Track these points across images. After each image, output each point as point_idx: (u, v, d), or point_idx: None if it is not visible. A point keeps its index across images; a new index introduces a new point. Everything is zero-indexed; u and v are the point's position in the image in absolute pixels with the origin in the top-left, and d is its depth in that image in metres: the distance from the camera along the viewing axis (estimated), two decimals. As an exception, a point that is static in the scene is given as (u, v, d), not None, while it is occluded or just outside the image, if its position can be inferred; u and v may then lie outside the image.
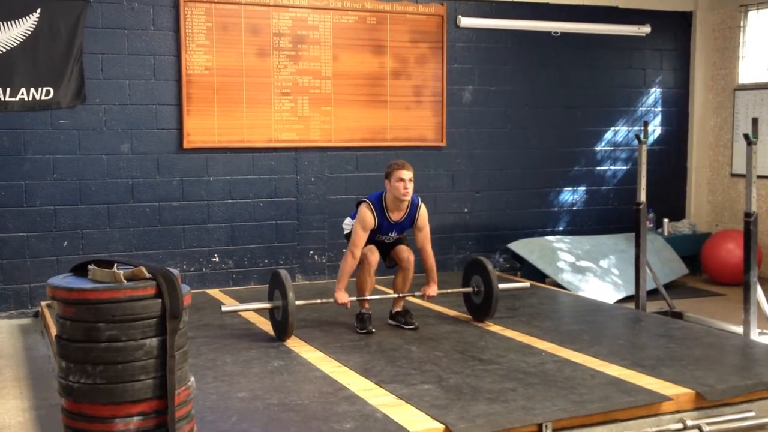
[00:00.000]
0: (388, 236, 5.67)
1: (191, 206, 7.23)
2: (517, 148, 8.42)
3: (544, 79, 8.46)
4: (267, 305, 5.46)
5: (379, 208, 5.52)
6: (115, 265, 3.04)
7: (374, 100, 7.72)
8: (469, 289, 5.93)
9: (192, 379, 3.18)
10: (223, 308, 5.48)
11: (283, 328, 5.29)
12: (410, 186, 5.44)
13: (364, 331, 5.52)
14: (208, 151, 7.24)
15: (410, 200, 5.55)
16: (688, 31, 9.05)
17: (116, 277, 2.92)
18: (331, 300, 5.59)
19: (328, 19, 7.51)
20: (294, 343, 5.26)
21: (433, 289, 5.71)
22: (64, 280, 3.11)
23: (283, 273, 5.35)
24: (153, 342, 2.94)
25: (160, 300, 2.92)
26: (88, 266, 3.09)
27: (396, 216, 5.56)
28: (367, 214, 5.48)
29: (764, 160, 8.11)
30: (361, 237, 5.49)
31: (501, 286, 5.82)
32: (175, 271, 3.02)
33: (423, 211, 5.65)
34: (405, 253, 5.67)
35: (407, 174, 5.42)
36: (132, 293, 2.89)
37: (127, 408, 2.95)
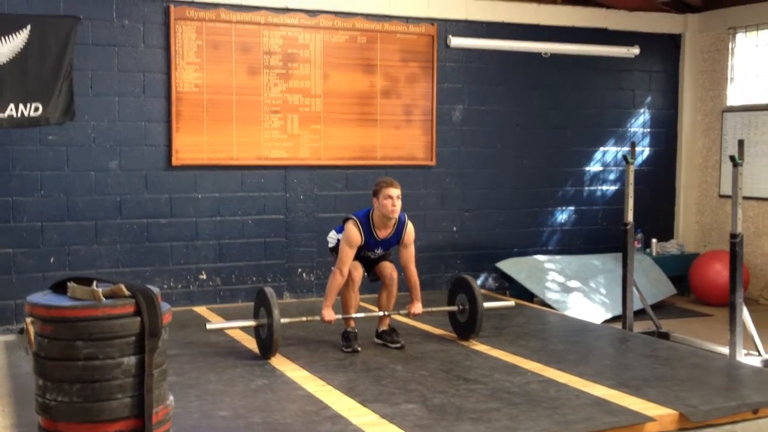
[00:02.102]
0: (374, 252, 5.67)
1: (179, 223, 7.22)
2: (507, 168, 8.44)
3: (534, 100, 8.50)
4: (252, 323, 5.44)
5: (366, 225, 5.52)
6: (95, 282, 3.03)
7: (364, 119, 7.74)
8: (454, 308, 5.93)
9: (171, 398, 3.17)
10: (208, 326, 5.46)
11: (267, 346, 5.28)
12: (398, 203, 5.44)
13: (350, 349, 5.50)
14: (197, 169, 7.24)
15: (398, 218, 5.55)
16: (677, 53, 9.12)
17: (95, 295, 2.92)
18: (317, 318, 5.58)
19: (319, 38, 7.54)
20: (279, 362, 5.24)
21: (417, 307, 5.70)
22: (43, 297, 3.10)
23: (269, 290, 5.34)
24: (131, 360, 2.93)
25: (139, 318, 2.92)
26: (68, 283, 3.08)
27: (383, 233, 5.57)
28: (354, 232, 5.48)
29: (751, 182, 8.14)
30: (348, 254, 5.49)
31: (486, 304, 5.81)
32: (155, 289, 3.02)
33: (410, 229, 5.66)
34: (388, 269, 5.67)
35: (395, 191, 5.43)
36: (110, 311, 2.89)
37: (104, 427, 2.94)
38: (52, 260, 6.81)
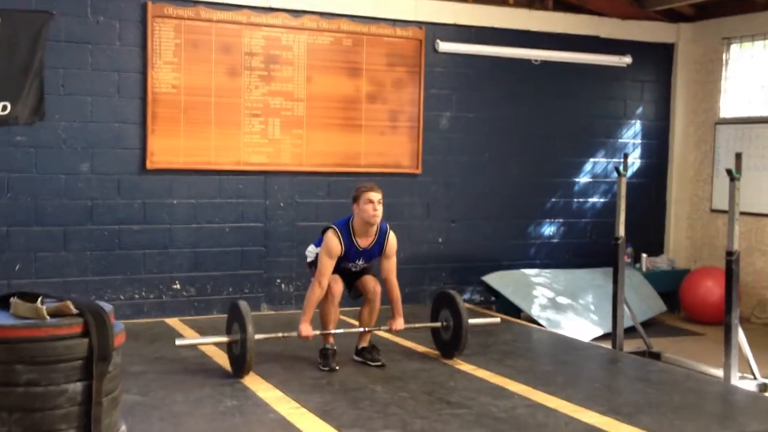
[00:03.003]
0: (356, 264, 5.39)
1: (153, 230, 6.91)
2: (495, 178, 8.19)
3: (524, 108, 8.26)
4: (224, 339, 5.15)
5: (346, 233, 5.25)
6: (40, 298, 2.73)
7: (348, 124, 7.47)
8: (437, 324, 5.66)
9: (123, 428, 2.88)
10: (177, 342, 5.16)
11: (240, 364, 4.99)
12: (379, 208, 5.20)
13: (327, 368, 5.22)
14: (173, 173, 6.94)
15: (379, 226, 5.29)
16: (670, 62, 8.91)
17: (39, 313, 2.62)
18: (294, 333, 5.29)
19: (303, 40, 7.27)
20: (251, 381, 4.95)
21: (399, 323, 5.42)
22: (-17, 314, 2.80)
23: (243, 304, 5.05)
24: (77, 387, 2.63)
25: (86, 340, 2.62)
26: (11, 299, 2.78)
27: (364, 242, 5.30)
28: (334, 241, 5.21)
29: (743, 197, 7.90)
30: (328, 266, 5.21)
31: (471, 321, 5.54)
32: (108, 307, 2.73)
33: (392, 239, 5.40)
34: (371, 283, 5.40)
35: (376, 196, 5.19)
36: (55, 331, 2.59)
37: (46, 461, 2.64)
38: (17, 267, 6.49)
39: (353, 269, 5.41)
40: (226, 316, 6.88)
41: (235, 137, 7.08)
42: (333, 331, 5.34)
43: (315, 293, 5.22)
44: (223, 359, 5.43)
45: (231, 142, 7.07)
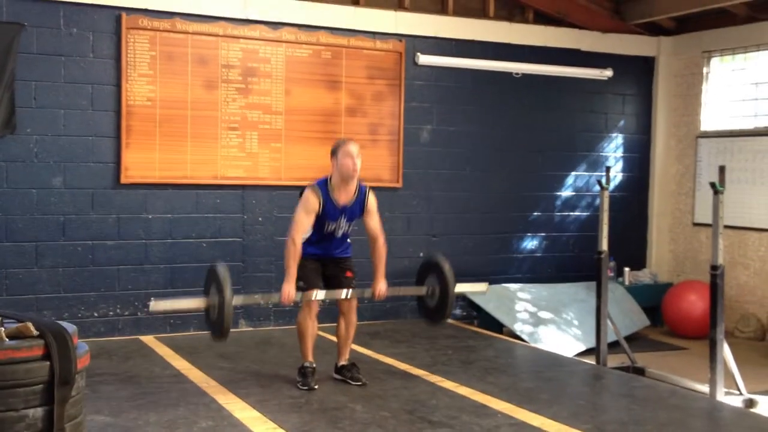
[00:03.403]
0: (338, 224, 5.18)
1: (127, 245, 6.75)
2: (476, 191, 8.10)
3: (505, 121, 8.20)
4: (201, 303, 4.97)
5: (324, 190, 5.14)
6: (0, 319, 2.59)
7: (327, 138, 7.31)
8: (422, 290, 5.48)
9: (88, 454, 2.73)
10: (151, 305, 5.03)
11: (217, 329, 4.84)
12: (358, 162, 5.10)
13: (306, 387, 5.09)
14: (148, 187, 6.79)
15: (358, 186, 5.20)
16: (651, 76, 8.89)
17: (-3, 335, 2.48)
18: (276, 297, 5.12)
19: (281, 52, 7.16)
20: (227, 399, 4.81)
21: (381, 287, 5.27)
22: (-60, 335, 2.65)
23: (221, 268, 4.89)
24: (37, 413, 2.49)
25: (48, 362, 2.48)
26: (-31, 320, 2.64)
27: (343, 198, 5.16)
28: (311, 196, 5.10)
29: (726, 210, 7.86)
30: (303, 221, 5.08)
31: (458, 288, 5.38)
32: (71, 328, 2.59)
33: (372, 197, 5.30)
34: (345, 300, 5.27)
35: (355, 149, 5.10)
36: (13, 354, 2.45)
37: (5, 491, 2.50)
38: (-13, 284, 6.32)
39: (336, 234, 5.22)
40: (203, 333, 6.81)
41: (212, 151, 6.94)
42: (317, 297, 5.11)
43: (290, 251, 5.05)
44: (198, 377, 5.29)
45: (208, 155, 6.93)
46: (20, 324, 2.54)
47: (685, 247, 8.76)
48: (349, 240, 5.39)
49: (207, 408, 4.64)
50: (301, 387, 5.10)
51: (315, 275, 5.22)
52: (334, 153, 5.16)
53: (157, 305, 5.12)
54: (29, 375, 2.48)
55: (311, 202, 5.08)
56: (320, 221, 5.14)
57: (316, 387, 5.10)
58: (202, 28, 6.86)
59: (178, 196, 6.89)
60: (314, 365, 5.22)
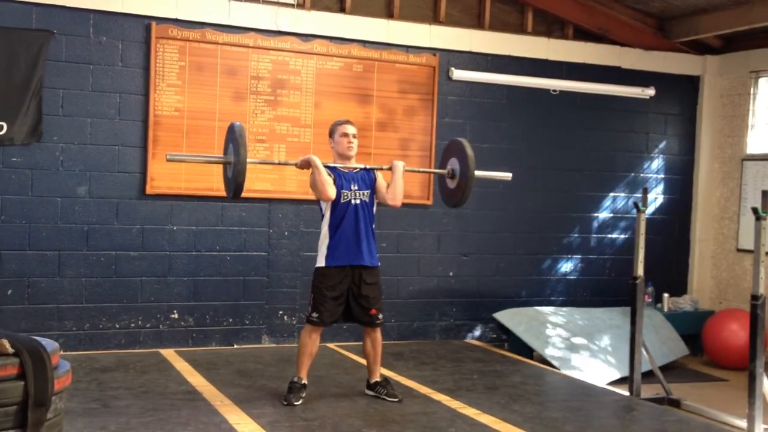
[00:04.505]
0: (353, 193, 5.14)
1: (151, 257, 6.67)
2: (510, 211, 7.88)
3: (541, 139, 7.97)
4: (219, 159, 5.15)
5: (330, 167, 5.18)
6: (-24, 335, 2.47)
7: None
8: (443, 171, 5.46)
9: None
10: (168, 156, 5.10)
11: (231, 186, 4.90)
12: (354, 142, 5.22)
13: (286, 402, 5.01)
14: (173, 198, 6.71)
15: (363, 167, 5.27)
16: (695, 95, 8.58)
17: (-30, 351, 2.36)
18: (293, 162, 5.30)
19: (312, 64, 7.05)
20: (239, 419, 4.66)
21: (398, 162, 5.29)
22: None
23: (238, 126, 4.90)
24: (10, 436, 2.36)
25: (22, 383, 2.34)
26: (-54, 335, 2.52)
27: (346, 169, 5.21)
28: (322, 170, 5.10)
29: (773, 236, 7.54)
30: (326, 177, 5.06)
31: (478, 173, 5.33)
32: (51, 345, 2.45)
33: (380, 175, 5.32)
34: (366, 318, 5.18)
35: (351, 129, 5.23)
36: (-15, 373, 2.32)
37: None
38: (9, 292, 6.27)
39: (354, 201, 5.13)
40: (225, 348, 6.72)
41: (239, 163, 6.83)
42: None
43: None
44: (211, 394, 5.16)
45: (235, 167, 6.82)
46: (-4, 340, 2.42)
47: (728, 273, 8.41)
48: (374, 233, 5.24)
49: (217, 428, 4.49)
50: (282, 402, 5.03)
51: (332, 312, 5.12)
52: (331, 134, 5.29)
53: (175, 156, 5.39)
54: (2, 395, 2.33)
55: (324, 171, 5.08)
56: (338, 192, 5.12)
57: (297, 403, 5.01)
58: (233, 39, 6.78)
59: (203, 207, 6.80)
60: (304, 382, 5.14)
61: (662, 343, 7.44)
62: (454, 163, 5.39)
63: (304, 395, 5.10)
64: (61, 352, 2.95)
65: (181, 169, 6.65)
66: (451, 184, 5.41)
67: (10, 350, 2.38)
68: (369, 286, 5.17)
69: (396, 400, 5.16)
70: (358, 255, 5.12)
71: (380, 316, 5.23)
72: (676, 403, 6.10)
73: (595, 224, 8.23)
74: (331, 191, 5.04)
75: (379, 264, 5.31)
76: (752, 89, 8.27)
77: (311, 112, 7.05)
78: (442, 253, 7.65)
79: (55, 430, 2.46)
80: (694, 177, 8.60)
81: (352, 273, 5.13)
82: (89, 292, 6.50)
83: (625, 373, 6.58)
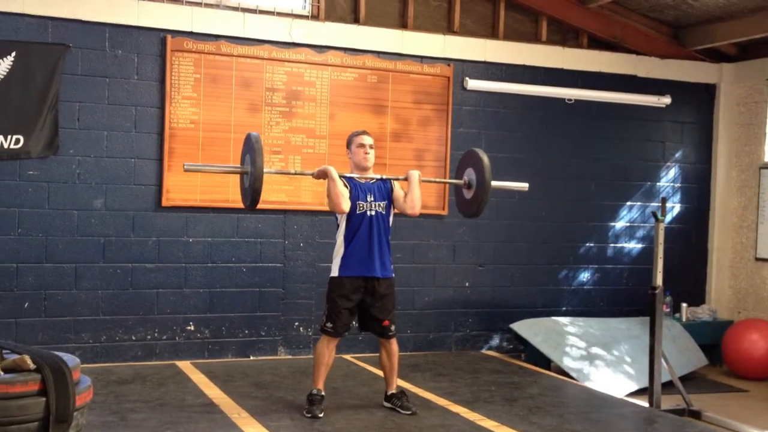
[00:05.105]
0: (369, 204, 5.13)
1: (167, 269, 6.67)
2: (525, 220, 7.84)
3: (556, 148, 7.93)
4: (236, 169, 5.16)
5: (346, 177, 5.17)
6: (-2, 350, 2.46)
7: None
8: (460, 182, 5.43)
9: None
10: (186, 166, 5.11)
11: (248, 195, 4.89)
12: (371, 153, 5.21)
13: (310, 415, 4.99)
14: (189, 210, 6.71)
15: (379, 178, 5.23)
16: (711, 104, 8.52)
17: (-8, 367, 2.35)
18: (309, 173, 5.30)
19: (326, 76, 7.05)
20: (256, 433, 4.64)
21: (414, 171, 5.26)
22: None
23: (255, 136, 4.91)
24: (31, 452, 2.35)
25: (44, 399, 2.33)
26: (-32, 351, 2.51)
27: (363, 180, 5.20)
28: (338, 181, 5.09)
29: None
30: (341, 188, 5.05)
31: (495, 183, 5.29)
32: (73, 361, 2.44)
33: (397, 184, 5.30)
34: (380, 327, 5.19)
35: (368, 140, 5.22)
36: (7, 389, 2.31)
37: None
38: (26, 305, 6.28)
39: (369, 212, 5.13)
40: (241, 359, 6.71)
41: (254, 175, 6.83)
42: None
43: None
44: (228, 406, 5.14)
45: (250, 179, 6.82)
46: (17, 357, 2.41)
47: (747, 283, 8.33)
48: (389, 244, 5.23)
49: (234, 441, 4.47)
50: (306, 414, 5.02)
51: (345, 323, 5.14)
52: (348, 145, 5.29)
53: (192, 166, 5.45)
54: (23, 411, 2.33)
55: (340, 183, 5.06)
56: (351, 203, 5.10)
57: (320, 415, 4.99)
58: (247, 51, 6.79)
59: (218, 219, 6.80)
60: (322, 393, 5.14)
61: (681, 354, 7.36)
62: (470, 174, 5.36)
63: (323, 407, 5.08)
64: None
65: (197, 181, 6.66)
66: (468, 194, 5.39)
67: (32, 366, 2.37)
68: (382, 297, 5.16)
69: (409, 412, 5.13)
70: (371, 267, 5.11)
71: (392, 327, 5.20)
72: (696, 415, 6.03)
73: (612, 234, 8.18)
74: (345, 205, 5.02)
75: (393, 275, 5.29)
76: (769, 97, 8.22)
77: (326, 124, 7.04)
78: (458, 264, 7.61)
79: (77, 446, 2.46)
80: (711, 186, 8.54)
81: (365, 284, 5.12)
82: (106, 304, 6.50)
83: (644, 384, 6.53)
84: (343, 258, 5.13)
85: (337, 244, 5.20)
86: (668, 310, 7.85)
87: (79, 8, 6.30)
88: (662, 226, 6.27)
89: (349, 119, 7.07)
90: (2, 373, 2.36)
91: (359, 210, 5.11)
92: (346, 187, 5.10)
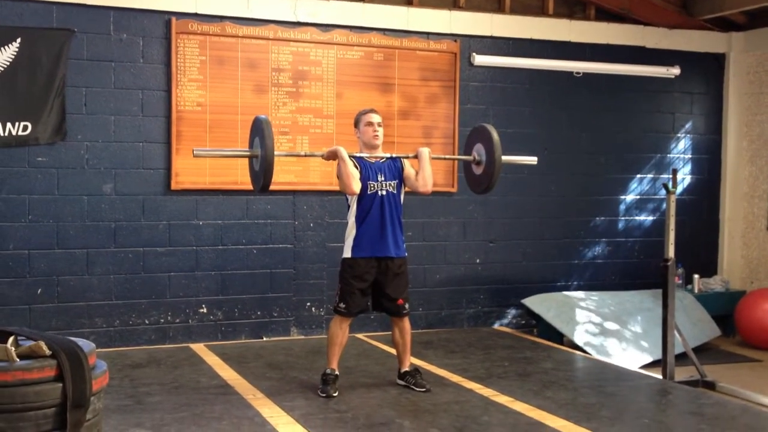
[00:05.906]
0: (381, 184, 5.10)
1: (178, 252, 6.68)
2: (535, 196, 7.81)
3: (565, 123, 7.88)
4: (246, 153, 5.08)
5: (355, 157, 5.13)
6: (12, 338, 2.46)
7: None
8: (469, 158, 5.38)
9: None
10: (195, 151, 5.07)
11: (259, 181, 4.86)
12: (380, 131, 5.16)
13: (325, 395, 5.01)
14: (198, 193, 6.71)
15: (389, 156, 5.22)
16: (721, 73, 8.44)
17: (8, 354, 2.35)
18: (319, 154, 5.23)
19: (332, 55, 7.01)
20: (272, 413, 4.66)
21: (424, 148, 5.24)
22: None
23: (264, 119, 4.86)
24: (50, 438, 2.36)
25: (60, 384, 2.34)
26: (-16, 337, 2.52)
27: (373, 159, 5.17)
28: (348, 162, 5.04)
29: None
30: (352, 170, 5.01)
31: (504, 158, 5.25)
32: (88, 346, 2.45)
33: (407, 161, 5.27)
34: (391, 304, 5.19)
35: (376, 118, 5.18)
36: (24, 375, 2.32)
37: None
38: (39, 291, 6.31)
39: (380, 192, 5.10)
40: (254, 341, 6.73)
41: (262, 156, 6.82)
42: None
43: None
44: (243, 388, 5.16)
45: (259, 160, 6.81)
46: (33, 343, 2.42)
47: (759, 253, 8.30)
48: (401, 223, 5.21)
49: (251, 422, 4.49)
50: (320, 394, 5.04)
51: (359, 302, 5.14)
52: (356, 123, 5.24)
53: (201, 151, 5.37)
54: (40, 397, 2.34)
55: (350, 164, 5.03)
56: (364, 183, 5.07)
57: (335, 395, 5.01)
58: (252, 32, 6.75)
59: (228, 202, 6.80)
60: (337, 373, 5.15)
61: (693, 325, 7.36)
62: (479, 149, 5.32)
63: (337, 386, 5.10)
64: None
65: (206, 164, 6.65)
66: (477, 170, 5.36)
67: (48, 352, 2.38)
68: (396, 276, 5.16)
69: (423, 390, 5.14)
70: (384, 246, 5.10)
71: (406, 306, 5.21)
72: (711, 386, 6.03)
73: (622, 207, 8.15)
74: (356, 186, 5.01)
75: (406, 254, 5.28)
76: (779, 65, 8.14)
77: (333, 103, 7.01)
78: (468, 240, 7.60)
79: (94, 430, 2.47)
80: (722, 156, 8.48)
81: (378, 264, 5.12)
82: (118, 288, 6.53)
83: (658, 356, 6.53)
84: (355, 239, 5.12)
85: (348, 225, 5.19)
86: (680, 281, 7.84)
87: (82, -8, 6.29)
88: (673, 197, 6.24)
89: (356, 98, 7.04)
90: (18, 359, 2.37)
91: (370, 190, 5.09)
92: (357, 168, 5.07)
